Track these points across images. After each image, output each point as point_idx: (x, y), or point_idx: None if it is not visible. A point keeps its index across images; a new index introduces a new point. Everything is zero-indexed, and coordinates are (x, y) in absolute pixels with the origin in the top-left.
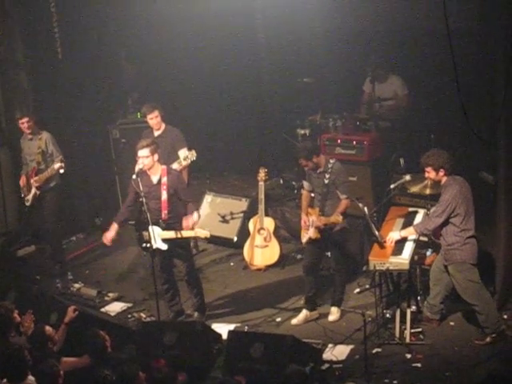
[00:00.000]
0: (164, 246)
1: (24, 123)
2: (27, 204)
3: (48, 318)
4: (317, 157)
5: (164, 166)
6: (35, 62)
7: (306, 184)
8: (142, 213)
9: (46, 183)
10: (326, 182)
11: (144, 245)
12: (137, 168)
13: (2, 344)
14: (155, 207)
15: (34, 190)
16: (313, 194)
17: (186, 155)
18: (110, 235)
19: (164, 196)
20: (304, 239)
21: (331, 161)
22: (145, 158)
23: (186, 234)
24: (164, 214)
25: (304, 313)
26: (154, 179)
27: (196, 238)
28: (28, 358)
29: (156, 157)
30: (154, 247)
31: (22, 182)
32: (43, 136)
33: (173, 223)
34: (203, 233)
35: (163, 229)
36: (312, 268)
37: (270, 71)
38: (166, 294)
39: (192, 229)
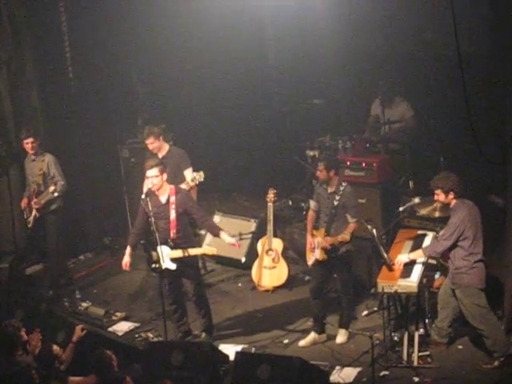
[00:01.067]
0: (173, 266)
1: (28, 143)
2: (29, 226)
3: (55, 336)
4: (334, 173)
5: (172, 186)
6: (46, 81)
7: (313, 204)
8: (151, 233)
9: (46, 206)
10: (336, 203)
11: (153, 265)
12: (145, 188)
13: (10, 363)
14: (164, 227)
15: (34, 212)
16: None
17: (193, 176)
18: (126, 260)
19: (172, 215)
20: (310, 261)
21: (343, 184)
22: (154, 177)
23: (193, 251)
24: (172, 233)
25: (312, 335)
26: (163, 199)
27: (204, 255)
28: (35, 377)
29: (165, 176)
30: (163, 267)
31: (24, 203)
32: (46, 158)
33: (181, 242)
34: (210, 250)
35: (172, 248)
36: (319, 290)
37: (279, 92)
38: (173, 315)
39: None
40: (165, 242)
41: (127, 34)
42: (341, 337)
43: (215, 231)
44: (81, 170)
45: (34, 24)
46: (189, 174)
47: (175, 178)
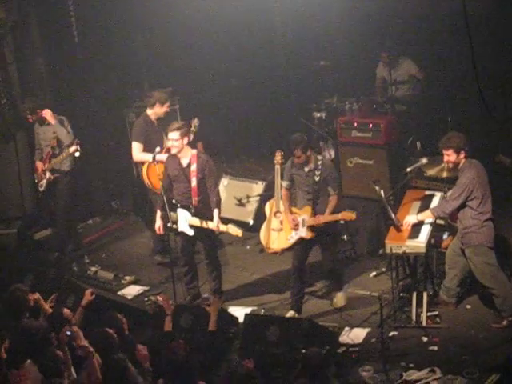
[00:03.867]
0: (190, 232)
1: (48, 113)
2: (41, 189)
3: (65, 300)
4: (310, 151)
5: (195, 152)
6: (51, 46)
7: (285, 183)
8: (173, 194)
9: (60, 167)
10: (317, 179)
11: (169, 224)
12: (157, 149)
13: (17, 326)
14: (184, 191)
15: (48, 175)
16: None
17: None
18: (158, 225)
19: (194, 183)
20: (292, 240)
21: (319, 157)
22: (174, 140)
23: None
24: (194, 200)
25: (291, 313)
26: (184, 162)
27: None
28: (54, 341)
29: (186, 140)
30: (180, 230)
31: (37, 167)
32: (59, 121)
33: (202, 209)
34: (236, 230)
35: (192, 214)
36: (302, 267)
37: (286, 54)
38: (184, 277)
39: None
40: (185, 207)
41: None
42: (340, 300)
43: (212, 205)
44: (87, 135)
45: None
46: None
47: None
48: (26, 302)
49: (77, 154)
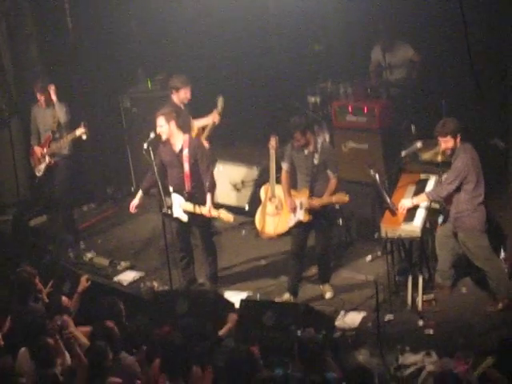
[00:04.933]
0: (184, 217)
1: (53, 88)
2: (38, 174)
3: (61, 287)
4: (310, 134)
5: (186, 137)
6: (45, 32)
7: (285, 165)
8: (167, 179)
9: (60, 152)
10: (316, 162)
11: (164, 210)
12: (151, 135)
13: (25, 310)
14: (177, 176)
15: (47, 159)
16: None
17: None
18: (134, 202)
19: (186, 168)
20: (291, 222)
21: (319, 140)
22: (160, 126)
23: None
24: (187, 186)
25: (287, 296)
26: (177, 147)
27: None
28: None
29: (173, 125)
30: (174, 215)
31: (35, 151)
32: (58, 105)
33: (196, 194)
34: (227, 215)
35: (186, 200)
36: (300, 251)
37: (279, 39)
38: (180, 262)
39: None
40: (179, 192)
41: None
42: (328, 291)
43: (205, 189)
44: (81, 121)
45: None
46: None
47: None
48: (33, 285)
49: (84, 137)
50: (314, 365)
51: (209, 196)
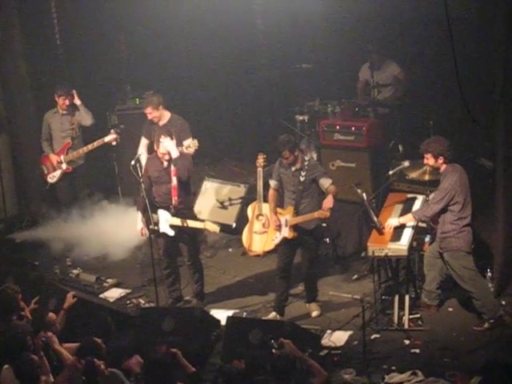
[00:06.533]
0: (171, 232)
1: (65, 99)
2: (51, 181)
3: (47, 303)
4: (298, 151)
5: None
6: (33, 48)
7: (273, 183)
8: (155, 196)
9: (78, 159)
10: (302, 179)
11: (151, 226)
12: (139, 152)
13: (7, 326)
14: (165, 192)
15: (65, 166)
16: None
17: (188, 144)
18: (139, 227)
19: (174, 182)
20: (277, 240)
21: (306, 158)
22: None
23: (194, 224)
24: (174, 200)
25: (273, 314)
26: (165, 163)
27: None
28: (30, 343)
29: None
30: (161, 231)
31: (50, 159)
32: (76, 112)
33: (183, 210)
34: (213, 227)
35: (172, 215)
36: (286, 269)
37: (268, 57)
38: (166, 279)
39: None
40: (166, 208)
41: (115, 0)
42: (315, 310)
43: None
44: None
45: None
46: (186, 143)
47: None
48: (17, 302)
49: (114, 143)
50: (288, 381)
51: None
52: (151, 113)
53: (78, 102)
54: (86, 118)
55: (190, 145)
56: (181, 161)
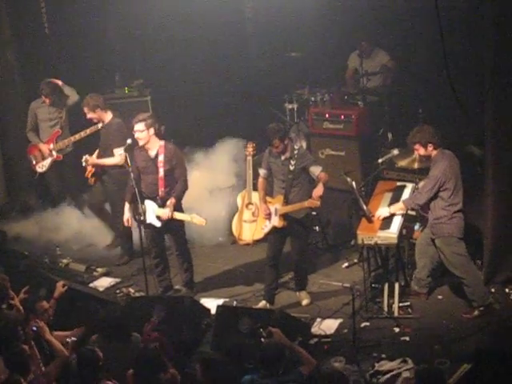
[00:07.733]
0: (158, 223)
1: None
2: (41, 170)
3: (37, 293)
4: (288, 140)
5: (162, 142)
6: (22, 38)
7: (262, 172)
8: (142, 186)
9: (66, 147)
10: (292, 168)
11: (137, 217)
12: (129, 141)
13: None
14: (152, 182)
15: (55, 154)
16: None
17: (116, 153)
18: (125, 217)
19: (161, 173)
20: (266, 229)
21: (295, 147)
22: (139, 132)
23: (180, 216)
24: (161, 191)
25: (263, 303)
26: (152, 153)
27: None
28: (21, 334)
29: (152, 131)
30: (148, 221)
31: (40, 148)
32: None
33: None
34: (199, 220)
35: (159, 206)
36: (276, 257)
37: (257, 45)
38: (155, 269)
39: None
40: (153, 198)
41: None
42: (305, 298)
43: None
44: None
45: None
46: (117, 152)
47: (104, 152)
48: (6, 290)
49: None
50: (276, 369)
51: (172, 200)
52: (87, 113)
53: (59, 82)
54: (72, 95)
55: (117, 156)
56: (178, 170)
